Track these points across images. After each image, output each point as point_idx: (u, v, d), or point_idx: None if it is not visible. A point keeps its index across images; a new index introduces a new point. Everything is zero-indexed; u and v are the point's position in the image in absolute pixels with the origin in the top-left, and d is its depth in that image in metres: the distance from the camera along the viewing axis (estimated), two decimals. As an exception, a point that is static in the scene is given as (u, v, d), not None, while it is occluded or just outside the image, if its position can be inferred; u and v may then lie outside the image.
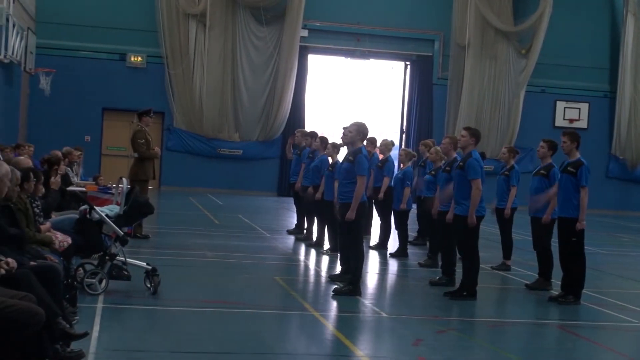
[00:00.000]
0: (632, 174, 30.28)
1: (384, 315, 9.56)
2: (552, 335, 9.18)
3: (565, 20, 30.21)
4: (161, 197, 24.73)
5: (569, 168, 10.80)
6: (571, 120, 30.99)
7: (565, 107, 31.04)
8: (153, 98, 26.73)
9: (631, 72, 30.57)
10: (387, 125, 35.56)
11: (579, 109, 31.11)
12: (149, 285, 9.63)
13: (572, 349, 8.54)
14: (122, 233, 9.52)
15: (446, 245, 11.80)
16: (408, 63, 31.67)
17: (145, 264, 9.77)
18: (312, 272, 12.80)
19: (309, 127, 29.73)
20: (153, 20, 27.88)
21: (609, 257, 16.06)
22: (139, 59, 28.05)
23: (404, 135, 32.18)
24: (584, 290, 11.03)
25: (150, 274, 9.65)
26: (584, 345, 8.69)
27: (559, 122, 31.04)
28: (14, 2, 21.98)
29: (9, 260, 6.28)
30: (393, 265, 14.17)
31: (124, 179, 9.91)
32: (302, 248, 15.49)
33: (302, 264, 13.68)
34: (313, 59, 30.98)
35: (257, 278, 11.47)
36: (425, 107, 30.72)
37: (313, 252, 14.93)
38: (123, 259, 9.66)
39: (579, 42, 30.78)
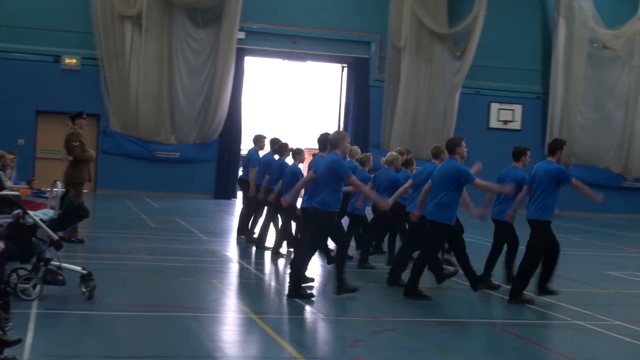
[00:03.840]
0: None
1: (323, 316, 9.59)
2: (490, 334, 9.29)
3: (498, 23, 30.61)
4: (97, 201, 24.46)
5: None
6: (505, 122, 31.46)
7: (499, 109, 31.47)
8: (88, 100, 26.38)
9: (563, 74, 31.10)
10: (324, 127, 35.68)
11: (513, 110, 31.57)
12: (84, 290, 9.52)
13: (510, 348, 8.66)
14: (57, 237, 9.39)
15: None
16: (345, 65, 31.79)
17: (80, 268, 9.65)
18: (251, 274, 12.78)
19: (245, 130, 29.73)
20: (88, 22, 27.54)
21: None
22: (74, 61, 27.68)
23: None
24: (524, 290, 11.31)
25: (86, 279, 9.54)
26: (523, 345, 8.82)
27: (494, 123, 31.48)
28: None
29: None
30: (332, 265, 14.21)
31: (59, 183, 9.79)
32: (241, 250, 15.46)
33: (240, 266, 13.65)
34: (250, 61, 30.92)
35: (195, 281, 11.41)
36: (362, 109, 30.87)
37: (251, 254, 14.92)
38: (58, 263, 9.53)
39: (512, 44, 31.23)
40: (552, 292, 11.28)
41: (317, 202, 10.50)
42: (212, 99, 28.70)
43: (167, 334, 8.24)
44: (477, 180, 10.72)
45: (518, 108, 31.63)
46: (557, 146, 11.18)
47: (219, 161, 29.36)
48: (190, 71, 28.80)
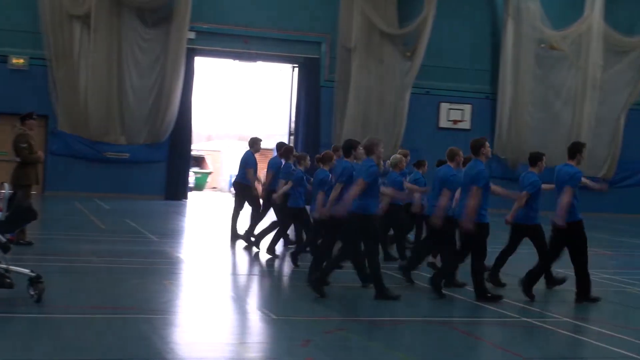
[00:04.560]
0: (513, 173, 31.13)
1: (273, 317, 9.60)
2: (441, 332, 9.36)
3: (448, 23, 30.86)
4: (45, 203, 24.18)
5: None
6: (455, 122, 31.72)
7: (449, 109, 31.72)
8: (36, 101, 26.05)
9: (511, 74, 31.43)
10: (275, 127, 35.70)
11: (462, 110, 31.84)
12: (32, 293, 9.41)
13: (460, 346, 8.75)
14: (4, 240, 9.29)
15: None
16: (295, 65, 31.81)
17: (28, 271, 9.54)
18: (202, 275, 12.74)
19: (196, 130, 29.62)
20: (36, 21, 27.21)
21: (493, 255, 16.46)
22: (21, 60, 27.32)
23: (292, 138, 32.31)
24: (469, 288, 11.54)
25: (34, 281, 9.43)
26: (472, 343, 8.92)
27: (443, 123, 31.72)
28: None
29: None
30: (282, 265, 14.25)
31: (6, 184, 9.67)
32: (192, 251, 15.41)
33: (192, 267, 13.60)
34: (201, 62, 30.81)
35: (146, 282, 11.35)
36: (312, 109, 30.91)
37: (203, 255, 14.89)
38: (5, 266, 9.41)
39: (461, 45, 31.51)
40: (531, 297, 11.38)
41: (357, 207, 10.68)
42: (162, 99, 28.54)
43: (118, 336, 8.19)
44: (494, 187, 11.19)
45: (467, 108, 31.91)
46: (576, 149, 11.32)
47: (169, 162, 29.20)
48: (140, 71, 28.61)
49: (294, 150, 15.98)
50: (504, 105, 31.52)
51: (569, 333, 9.36)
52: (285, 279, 13.18)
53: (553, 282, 12.17)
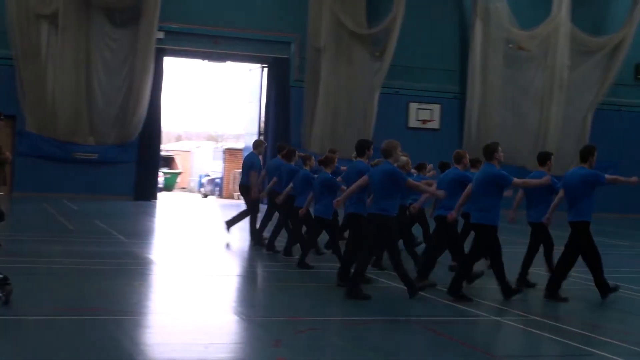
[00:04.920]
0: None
1: (245, 318, 9.60)
2: (412, 331, 9.39)
3: (417, 24, 31.00)
4: (14, 203, 23.98)
5: None
6: (424, 121, 31.87)
7: (418, 108, 31.87)
8: (3, 101, 25.87)
9: (479, 74, 31.64)
10: (245, 127, 35.64)
11: (431, 110, 32.01)
12: (0, 295, 9.34)
13: (430, 344, 8.79)
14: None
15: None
16: (265, 65, 31.80)
17: (-3, 273, 9.48)
18: (172, 276, 12.70)
19: (165, 130, 29.55)
20: (2, 21, 27.01)
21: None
22: (-13, 60, 27.14)
23: (261, 137, 32.27)
24: (438, 287, 11.63)
25: (2, 283, 9.36)
26: (442, 341, 8.96)
27: (412, 123, 31.86)
28: None
29: None
30: (253, 266, 14.25)
31: (-26, 186, 9.59)
32: (162, 252, 15.36)
33: (162, 268, 13.56)
34: (170, 62, 30.72)
35: (115, 284, 11.30)
36: (282, 109, 30.91)
37: (174, 256, 14.85)
38: (-27, 268, 9.34)
39: (430, 45, 31.66)
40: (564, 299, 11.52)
41: (378, 209, 10.82)
42: (131, 99, 28.43)
43: (87, 338, 8.14)
44: (515, 180, 11.28)
45: (436, 108, 32.08)
46: (588, 153, 11.50)
47: (138, 162, 29.09)
48: (109, 71, 28.47)
49: (297, 151, 15.92)
50: (472, 105, 31.71)
51: (537, 331, 9.44)
52: (258, 279, 13.18)
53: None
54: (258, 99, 32.55)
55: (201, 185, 40.97)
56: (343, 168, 15.01)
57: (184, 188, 46.51)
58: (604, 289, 11.52)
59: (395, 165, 12.15)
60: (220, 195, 37.61)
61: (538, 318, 10.21)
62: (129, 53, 28.55)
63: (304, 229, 14.77)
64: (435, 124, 32.00)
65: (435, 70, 31.88)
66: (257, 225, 16.67)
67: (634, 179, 11.98)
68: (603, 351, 8.43)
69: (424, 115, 31.95)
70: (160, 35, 28.81)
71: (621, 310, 11.30)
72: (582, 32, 32.25)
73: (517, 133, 31.84)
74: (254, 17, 30.05)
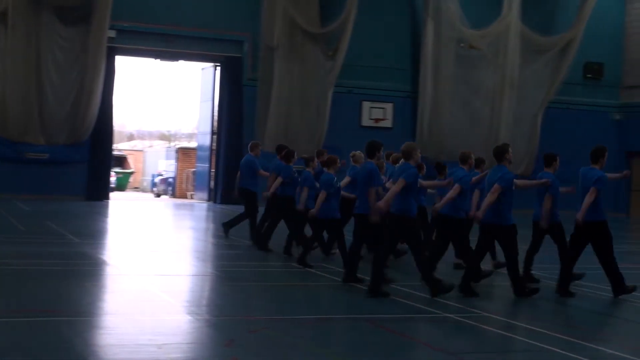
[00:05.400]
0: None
1: (199, 318, 9.59)
2: (366, 330, 9.44)
3: (369, 23, 31.11)
4: (-38, 204, 23.67)
5: None
6: (377, 120, 32.01)
7: (370, 107, 32.00)
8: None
9: (431, 73, 31.84)
10: (198, 126, 35.52)
11: (384, 108, 32.16)
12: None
13: (383, 342, 8.85)
14: None
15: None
16: (218, 64, 31.72)
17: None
18: (126, 277, 12.64)
19: (117, 130, 29.34)
20: (-51, 19, 26.62)
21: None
22: None
23: (215, 137, 32.21)
24: (394, 285, 11.77)
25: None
26: (394, 339, 9.04)
27: (365, 121, 31.98)
28: None
29: None
30: (207, 266, 14.23)
31: None
32: (115, 253, 15.27)
33: (114, 268, 13.48)
34: (122, 60, 30.51)
35: (68, 285, 11.22)
36: (235, 108, 30.85)
37: (127, 256, 14.77)
38: None
39: (383, 44, 31.81)
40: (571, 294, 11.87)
41: (398, 210, 11.11)
42: (83, 98, 28.16)
43: (38, 340, 8.09)
44: (515, 181, 11.69)
45: (389, 106, 32.23)
46: (600, 155, 11.88)
47: (90, 162, 28.84)
48: (60, 70, 28.18)
49: (295, 153, 16.00)
50: (424, 104, 31.91)
51: (493, 329, 9.54)
52: (211, 279, 13.15)
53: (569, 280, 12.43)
54: (211, 98, 32.46)
55: (154, 184, 40.75)
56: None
57: (136, 188, 46.22)
58: (619, 286, 11.85)
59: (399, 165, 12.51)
60: (173, 195, 37.44)
61: (493, 315, 10.33)
62: (80, 52, 28.27)
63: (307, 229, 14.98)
64: (388, 123, 32.16)
65: (388, 69, 32.04)
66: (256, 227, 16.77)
67: (626, 172, 13.06)
68: (555, 347, 8.57)
69: (377, 114, 32.10)
70: (112, 34, 28.58)
71: (571, 305, 11.48)
72: (533, 31, 32.59)
73: (469, 131, 32.09)
74: (206, 16, 29.94)
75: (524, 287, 11.59)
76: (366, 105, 31.99)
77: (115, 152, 38.80)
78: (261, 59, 30.36)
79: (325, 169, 14.18)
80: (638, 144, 33.45)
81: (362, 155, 14.79)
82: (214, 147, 32.21)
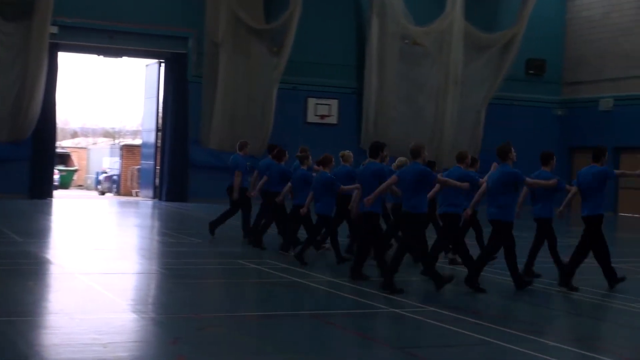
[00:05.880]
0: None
1: (145, 316, 9.54)
2: (312, 325, 9.48)
3: (314, 19, 31.14)
4: None
5: None
6: (322, 116, 32.08)
7: (316, 104, 32.06)
8: None
9: (376, 70, 31.97)
10: (143, 123, 35.26)
11: (329, 105, 32.23)
12: None
13: (330, 338, 8.89)
14: None
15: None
16: (163, 61, 31.52)
17: None
18: (67, 276, 12.51)
19: (60, 127, 29.01)
20: None
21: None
22: None
23: (159, 134, 32.00)
24: (338, 280, 11.77)
25: None
26: (341, 334, 9.09)
27: (311, 118, 32.03)
28: None
29: None
30: (152, 264, 14.15)
31: None
32: (59, 251, 15.11)
33: (57, 267, 13.34)
34: (65, 57, 30.15)
35: (10, 284, 11.07)
36: (180, 105, 30.68)
37: (68, 254, 14.63)
38: None
39: (328, 40, 31.86)
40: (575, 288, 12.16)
41: (410, 207, 11.58)
42: (25, 96, 27.77)
43: (-19, 340, 7.99)
44: (527, 180, 12.18)
45: (334, 103, 32.31)
46: (601, 153, 12.37)
47: (33, 160, 28.47)
48: (0, 67, 27.75)
49: (286, 152, 16.23)
50: (369, 100, 32.04)
51: (440, 323, 9.63)
52: (158, 277, 13.06)
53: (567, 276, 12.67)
54: (156, 95, 32.25)
55: (98, 182, 40.37)
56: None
57: (80, 185, 45.74)
58: (612, 278, 12.34)
59: (396, 164, 12.75)
60: (118, 193, 37.13)
61: (435, 309, 10.43)
62: (22, 48, 27.87)
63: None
64: (333, 119, 32.25)
65: (333, 66, 32.10)
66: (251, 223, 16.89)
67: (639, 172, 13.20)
68: (500, 340, 8.70)
69: (322, 110, 32.17)
70: (54, 29, 28.22)
71: (518, 300, 11.65)
72: (476, 28, 32.91)
73: (414, 127, 32.29)
74: (150, 11, 29.72)
75: (522, 280, 12.06)
76: (311, 101, 32.04)
77: (58, 150, 38.38)
78: (206, 56, 30.22)
79: (302, 166, 14.86)
80: (580, 139, 33.98)
81: (351, 154, 15.50)
82: (158, 144, 32.00)
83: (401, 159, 14.08)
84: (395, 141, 31.83)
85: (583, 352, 8.41)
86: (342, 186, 13.87)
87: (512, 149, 12.05)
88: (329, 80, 32.03)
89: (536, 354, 8.13)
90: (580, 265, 12.34)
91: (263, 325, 9.36)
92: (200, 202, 29.32)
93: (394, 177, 11.79)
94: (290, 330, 9.10)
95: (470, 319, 9.83)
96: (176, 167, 30.56)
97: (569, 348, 8.57)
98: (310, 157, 15.45)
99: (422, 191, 11.65)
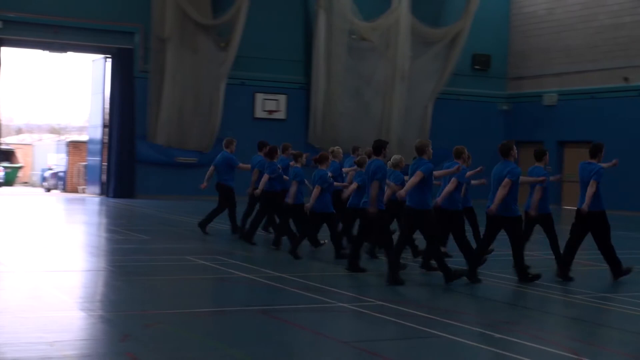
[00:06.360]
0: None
1: (93, 314, 9.49)
2: (259, 321, 9.50)
3: (262, 14, 31.10)
4: None
5: None
6: (270, 112, 32.05)
7: (264, 99, 32.02)
8: None
9: (324, 65, 32.02)
10: (89, 119, 34.91)
11: (277, 100, 32.22)
12: None
13: (278, 332, 8.93)
14: None
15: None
16: (109, 56, 31.23)
17: None
18: (13, 274, 12.38)
19: (4, 122, 28.60)
20: None
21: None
22: None
23: (106, 129, 31.71)
24: (287, 276, 11.85)
25: None
26: (289, 329, 9.13)
27: (259, 113, 31.98)
28: None
29: None
30: (100, 261, 14.06)
31: None
32: (2, 249, 14.93)
33: (2, 266, 13.18)
34: (9, 52, 29.72)
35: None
36: (127, 101, 30.43)
37: (14, 252, 14.47)
38: None
39: (275, 35, 31.83)
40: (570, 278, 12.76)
41: (415, 203, 11.91)
42: (-33, 91, 27.39)
43: None
44: (521, 178, 12.43)
45: (282, 98, 32.31)
46: (598, 150, 12.89)
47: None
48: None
49: (279, 149, 16.55)
50: (317, 95, 32.09)
51: (387, 317, 9.72)
52: (105, 274, 12.97)
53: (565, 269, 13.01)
54: (102, 91, 31.94)
55: (44, 179, 39.86)
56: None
57: (25, 182, 45.13)
58: (617, 269, 12.90)
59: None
60: (64, 190, 36.72)
61: (383, 303, 10.53)
62: (-36, 43, 27.47)
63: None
64: (281, 114, 32.25)
65: (281, 61, 32.09)
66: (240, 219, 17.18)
67: (614, 161, 13.91)
68: (443, 332, 8.82)
69: (270, 105, 32.14)
70: (-2, 24, 27.82)
71: (470, 294, 11.80)
72: (422, 23, 33.13)
73: (361, 122, 32.45)
74: (96, 6, 29.42)
75: (527, 274, 12.44)
76: (259, 97, 31.99)
77: (2, 147, 37.84)
78: (153, 51, 30.01)
79: (293, 163, 15.29)
80: (524, 133, 34.42)
81: (341, 150, 16.08)
82: (105, 141, 31.71)
83: (396, 157, 14.27)
84: (343, 136, 32.01)
85: (532, 344, 8.56)
86: (335, 183, 14.63)
87: (514, 147, 12.47)
88: (277, 76, 32.02)
89: (483, 347, 8.26)
90: (575, 255, 12.89)
91: (211, 322, 9.38)
92: (148, 198, 29.16)
93: (418, 173, 11.94)
94: (238, 326, 9.12)
95: (419, 313, 9.95)
96: (123, 163, 30.32)
97: (529, 344, 8.70)
98: (304, 155, 15.67)
99: (426, 187, 11.96)
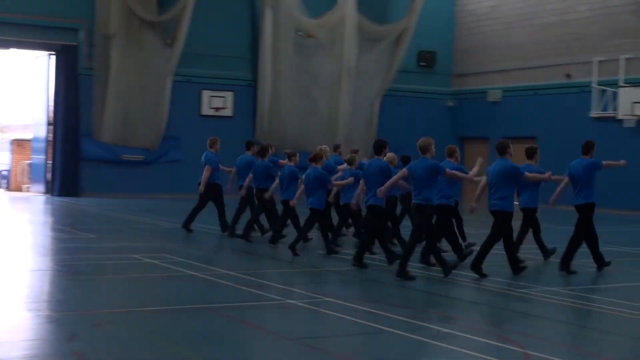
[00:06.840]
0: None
1: (41, 314, 9.42)
2: (208, 319, 9.50)
3: (208, 11, 30.96)
4: None
5: None
6: (217, 109, 31.95)
7: (211, 96, 31.91)
8: None
9: (271, 62, 31.99)
10: (33, 117, 34.46)
11: (224, 97, 32.13)
12: None
13: (227, 330, 8.95)
14: None
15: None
16: (53, 53, 30.85)
17: None
18: (-42, 274, 12.24)
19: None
20: None
21: (263, 242, 16.87)
22: None
23: (51, 127, 31.35)
24: (235, 274, 11.69)
25: None
26: (238, 327, 9.16)
27: (206, 110, 31.85)
28: None
29: None
30: (46, 260, 13.94)
31: None
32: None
33: (-54, 267, 13.02)
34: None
35: None
36: (71, 98, 30.10)
37: (-42, 253, 14.29)
38: None
39: (222, 32, 31.71)
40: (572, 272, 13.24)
41: (422, 199, 12.27)
42: None
43: None
44: (526, 174, 12.95)
45: (229, 95, 32.22)
46: (590, 147, 13.41)
47: None
48: None
49: (270, 148, 16.94)
50: (264, 93, 32.07)
51: (335, 313, 9.79)
52: (52, 273, 12.85)
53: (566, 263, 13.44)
54: (46, 88, 31.55)
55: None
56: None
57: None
58: (600, 262, 13.52)
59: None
60: (8, 188, 36.22)
61: (330, 299, 10.61)
62: None
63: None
64: (228, 112, 32.16)
65: (227, 58, 32.00)
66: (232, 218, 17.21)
67: (622, 162, 14.17)
68: (394, 328, 8.93)
69: (217, 102, 32.04)
70: (-63, 20, 27.35)
71: (412, 288, 11.92)
72: (368, 20, 33.27)
73: (309, 120, 32.51)
74: (38, 2, 29.03)
75: (518, 266, 12.86)
76: (206, 94, 31.87)
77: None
78: (97, 48, 29.70)
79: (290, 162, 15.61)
80: (469, 129, 34.81)
81: (328, 149, 16.83)
82: (49, 138, 31.36)
83: (389, 155, 14.44)
84: (290, 134, 32.09)
85: (477, 338, 8.70)
86: (333, 181, 15.01)
87: (511, 145, 12.80)
88: (224, 73, 31.92)
89: (431, 341, 8.38)
90: (577, 249, 13.33)
91: (158, 320, 9.36)
92: (93, 196, 28.91)
93: (404, 171, 12.53)
94: (186, 325, 9.12)
95: (366, 308, 10.05)
96: (68, 162, 30.01)
97: (468, 335, 8.84)
98: (298, 155, 16.00)
99: (432, 184, 12.39)
